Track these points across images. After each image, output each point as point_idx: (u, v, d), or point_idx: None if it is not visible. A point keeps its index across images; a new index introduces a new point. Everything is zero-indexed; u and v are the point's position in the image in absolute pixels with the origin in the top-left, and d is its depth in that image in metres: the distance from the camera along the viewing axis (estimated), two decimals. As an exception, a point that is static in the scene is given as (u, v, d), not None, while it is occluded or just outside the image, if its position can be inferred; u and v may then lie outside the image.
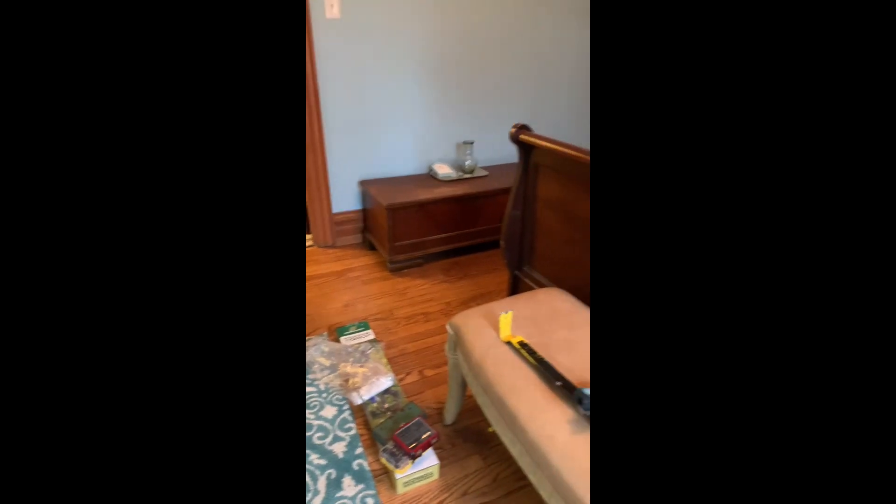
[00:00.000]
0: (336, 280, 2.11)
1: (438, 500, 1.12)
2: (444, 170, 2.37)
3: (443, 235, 2.22)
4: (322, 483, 1.14)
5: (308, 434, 1.28)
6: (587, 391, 0.82)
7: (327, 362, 1.52)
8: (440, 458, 1.19)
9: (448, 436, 1.29)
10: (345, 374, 1.46)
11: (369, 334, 1.70)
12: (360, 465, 1.19)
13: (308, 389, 1.43)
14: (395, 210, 2.05)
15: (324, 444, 1.25)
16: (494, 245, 2.36)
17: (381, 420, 1.31)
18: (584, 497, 0.72)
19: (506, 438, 0.96)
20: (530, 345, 1.02)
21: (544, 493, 0.83)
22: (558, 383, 0.89)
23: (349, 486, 1.13)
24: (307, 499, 1.09)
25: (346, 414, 1.35)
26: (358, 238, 2.48)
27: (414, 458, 1.13)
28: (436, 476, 1.16)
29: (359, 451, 1.23)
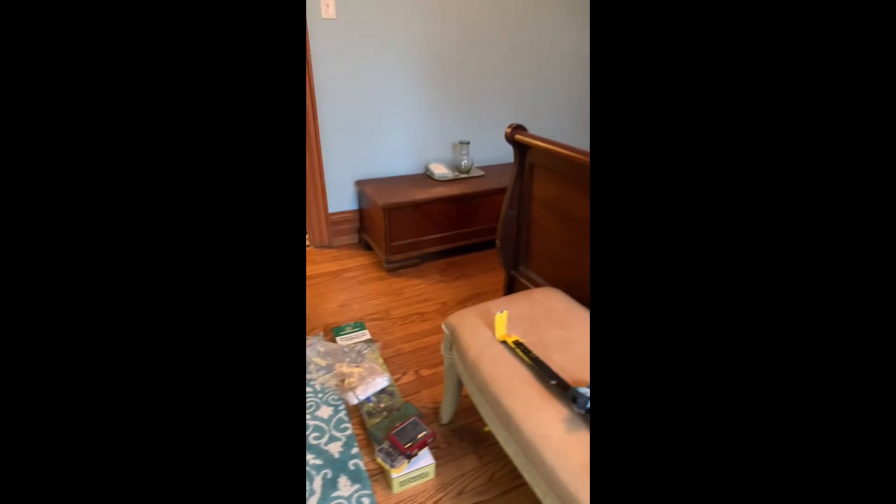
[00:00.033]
0: (332, 280, 2.11)
1: (434, 499, 1.12)
2: (440, 170, 2.37)
3: (439, 235, 2.22)
4: (318, 483, 1.14)
5: (304, 434, 1.28)
6: (581, 390, 0.82)
7: (323, 362, 1.51)
8: (436, 457, 1.19)
9: (444, 435, 1.29)
10: (341, 374, 1.46)
11: (365, 334, 1.70)
12: (356, 464, 1.19)
13: (304, 389, 1.44)
14: (391, 210, 2.05)
15: (320, 444, 1.25)
16: (490, 245, 2.37)
17: (377, 420, 1.31)
18: (578, 495, 0.72)
19: (501, 437, 0.96)
20: (525, 344, 1.03)
21: (539, 491, 0.83)
22: (553, 382, 0.90)
23: (345, 486, 1.13)
24: (303, 499, 1.10)
25: (342, 414, 1.35)
26: (354, 238, 2.48)
27: (410, 457, 1.13)
28: (432, 475, 1.16)
29: (355, 450, 1.23)
